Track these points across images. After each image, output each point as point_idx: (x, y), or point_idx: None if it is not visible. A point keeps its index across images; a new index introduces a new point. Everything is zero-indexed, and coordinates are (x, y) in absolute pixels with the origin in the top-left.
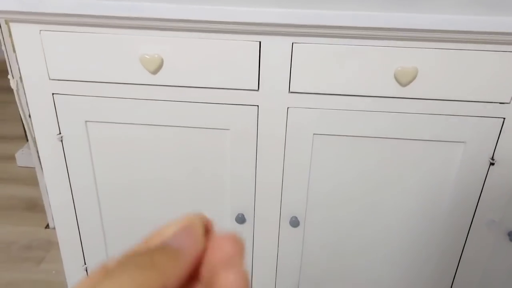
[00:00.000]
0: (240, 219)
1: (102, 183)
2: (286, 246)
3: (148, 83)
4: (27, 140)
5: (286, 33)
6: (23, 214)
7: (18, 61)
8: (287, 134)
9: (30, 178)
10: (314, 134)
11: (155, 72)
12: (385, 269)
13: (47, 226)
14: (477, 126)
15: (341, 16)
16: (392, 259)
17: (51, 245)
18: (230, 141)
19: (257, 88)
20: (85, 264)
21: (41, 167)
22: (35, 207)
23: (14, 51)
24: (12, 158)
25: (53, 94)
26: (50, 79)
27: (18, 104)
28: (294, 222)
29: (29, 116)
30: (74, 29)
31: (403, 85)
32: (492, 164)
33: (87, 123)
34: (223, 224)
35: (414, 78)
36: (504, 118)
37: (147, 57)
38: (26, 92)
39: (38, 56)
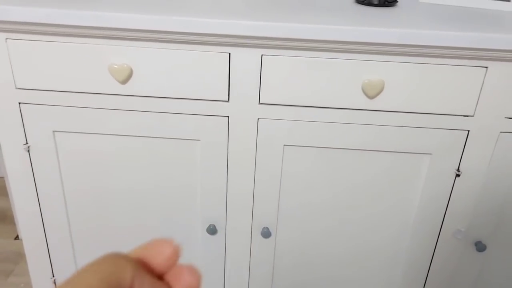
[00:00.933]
0: (212, 230)
1: (70, 193)
2: (258, 257)
3: (117, 93)
4: None
5: (256, 45)
6: None
7: None
8: (258, 145)
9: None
10: (284, 145)
11: (124, 82)
12: (355, 279)
13: (17, 237)
14: (443, 138)
15: (310, 29)
16: (361, 270)
17: (20, 257)
18: (200, 152)
19: (227, 99)
20: (53, 276)
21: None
22: (4, 218)
23: None
24: None
25: (19, 103)
26: (16, 88)
27: None
28: (266, 233)
29: None
30: (42, 38)
31: (371, 97)
32: (458, 175)
33: (55, 133)
34: (195, 234)
35: (381, 90)
36: (468, 131)
37: (116, 66)
38: None
39: (4, 65)
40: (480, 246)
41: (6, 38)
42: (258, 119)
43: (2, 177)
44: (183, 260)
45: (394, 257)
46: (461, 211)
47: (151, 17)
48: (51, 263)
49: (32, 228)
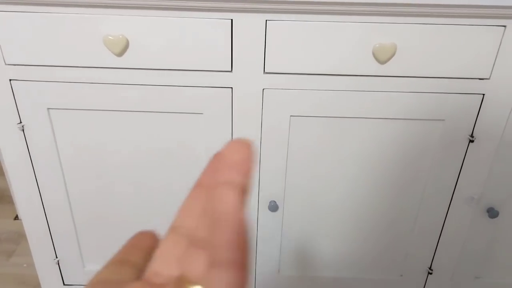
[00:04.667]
0: None
1: (68, 170)
2: (265, 231)
3: (113, 66)
4: None
5: (259, 10)
6: None
7: None
8: (263, 116)
9: None
10: (291, 116)
11: (120, 54)
12: (364, 246)
13: (16, 217)
14: (456, 103)
15: None
16: (373, 235)
17: (21, 237)
18: (204, 126)
19: (230, 69)
20: (56, 257)
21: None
22: (1, 198)
23: None
24: None
25: (10, 80)
26: (6, 64)
27: None
28: (273, 207)
29: None
30: (30, 9)
31: (382, 62)
32: (471, 141)
33: (50, 110)
34: None
35: (392, 55)
36: (483, 94)
37: (111, 38)
38: None
39: None
40: (492, 213)
41: None
42: (263, 89)
43: None
44: None
45: (406, 223)
46: (474, 178)
47: None
48: (53, 243)
49: (31, 208)
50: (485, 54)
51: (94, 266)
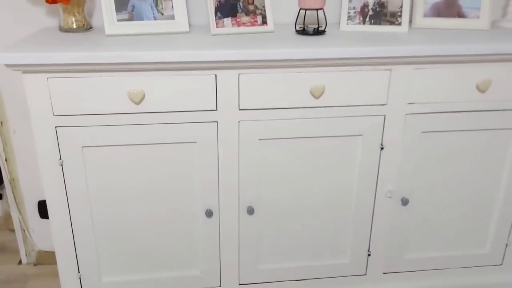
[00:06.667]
0: (209, 213)
1: (93, 195)
2: (245, 231)
3: (133, 111)
4: None
5: (234, 67)
6: None
7: (28, 103)
8: (240, 141)
9: None
10: (259, 139)
11: (138, 103)
12: (320, 237)
13: (20, 262)
14: (369, 122)
15: (269, 53)
16: (321, 229)
17: (27, 278)
18: (197, 151)
19: (215, 108)
20: (79, 272)
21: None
22: (3, 249)
23: None
24: None
25: (56, 127)
26: (54, 115)
27: None
28: (250, 211)
29: (5, 159)
30: (74, 75)
31: (317, 97)
32: (382, 148)
33: (83, 148)
34: (196, 218)
35: (323, 92)
36: (385, 115)
37: (133, 91)
38: (33, 127)
39: (45, 98)
40: (404, 201)
41: (48, 78)
42: (239, 121)
43: None
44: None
45: (344, 215)
46: (389, 176)
47: (156, 53)
48: (77, 260)
49: (62, 229)
50: (382, 88)
51: (109, 278)
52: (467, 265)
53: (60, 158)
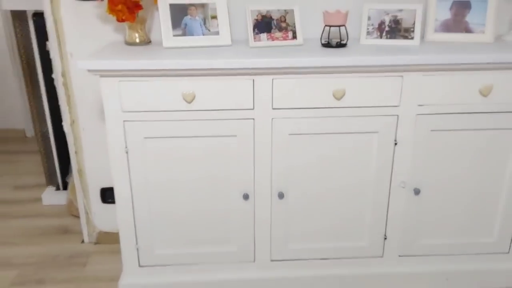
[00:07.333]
0: (245, 196)
1: (152, 182)
2: (276, 213)
3: (186, 109)
4: (47, 185)
5: (269, 73)
6: (60, 236)
7: (103, 101)
8: (272, 135)
9: (56, 213)
10: (289, 134)
11: (190, 102)
12: (341, 221)
13: (82, 241)
14: (384, 121)
15: (300, 61)
16: (342, 214)
17: (89, 254)
18: (237, 144)
19: (252, 108)
20: (137, 244)
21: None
22: (67, 231)
23: (69, 103)
24: (37, 200)
25: (124, 121)
26: (123, 111)
27: (70, 143)
28: (281, 195)
29: (75, 152)
30: (140, 79)
31: (338, 99)
32: (396, 144)
33: (145, 139)
34: (235, 199)
35: (343, 94)
36: (398, 115)
37: (185, 92)
38: (106, 121)
39: (116, 97)
40: (416, 191)
41: (119, 81)
42: (272, 118)
43: (57, 205)
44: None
45: (363, 202)
46: (403, 168)
47: (205, 61)
48: (136, 235)
49: (125, 207)
50: (395, 91)
51: (161, 251)
52: (475, 252)
53: (126, 147)
